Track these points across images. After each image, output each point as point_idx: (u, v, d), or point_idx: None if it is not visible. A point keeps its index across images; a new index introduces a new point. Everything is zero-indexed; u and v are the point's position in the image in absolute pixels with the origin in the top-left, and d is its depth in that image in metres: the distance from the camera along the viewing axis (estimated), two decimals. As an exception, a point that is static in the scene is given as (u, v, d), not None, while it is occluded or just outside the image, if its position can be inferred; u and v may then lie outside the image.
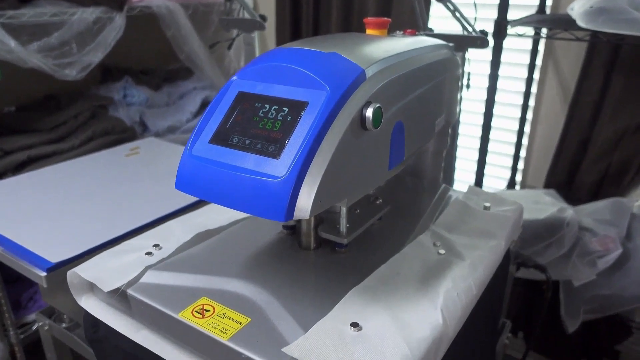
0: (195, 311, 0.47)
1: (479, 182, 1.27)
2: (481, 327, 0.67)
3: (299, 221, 0.60)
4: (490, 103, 1.32)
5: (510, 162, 1.53)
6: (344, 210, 0.57)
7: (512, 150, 1.52)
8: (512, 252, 0.79)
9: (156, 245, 0.58)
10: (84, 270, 0.52)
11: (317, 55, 0.50)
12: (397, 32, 0.74)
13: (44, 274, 0.66)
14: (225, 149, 0.47)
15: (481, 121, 1.27)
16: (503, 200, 0.73)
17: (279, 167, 0.43)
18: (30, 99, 1.44)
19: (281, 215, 0.42)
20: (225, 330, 0.44)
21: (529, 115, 1.50)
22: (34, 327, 1.26)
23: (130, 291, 0.51)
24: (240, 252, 0.58)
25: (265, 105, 0.48)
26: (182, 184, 0.49)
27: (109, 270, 0.53)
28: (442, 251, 0.58)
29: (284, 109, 0.47)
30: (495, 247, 0.61)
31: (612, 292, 1.07)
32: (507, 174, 1.56)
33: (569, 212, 1.11)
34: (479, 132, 1.39)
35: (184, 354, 0.47)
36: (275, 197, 0.42)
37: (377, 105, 0.47)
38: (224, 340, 0.44)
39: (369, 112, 0.47)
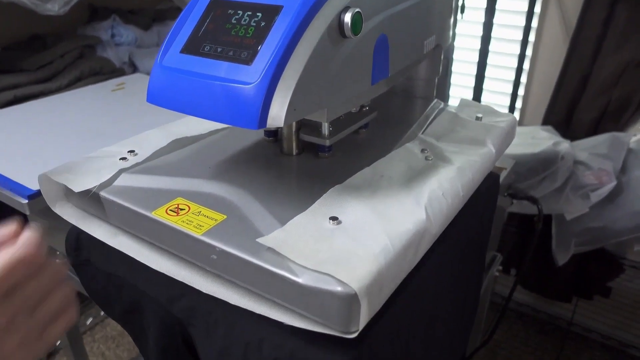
0: (170, 210, 0.46)
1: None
2: (467, 254, 0.67)
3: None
4: (486, 39, 1.28)
5: (507, 101, 1.50)
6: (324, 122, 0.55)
7: (509, 89, 1.49)
8: (502, 185, 0.78)
9: (131, 151, 0.57)
10: (54, 174, 0.51)
11: (293, -43, 0.47)
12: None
13: (25, 201, 0.66)
14: (197, 57, 0.45)
15: (477, 58, 1.23)
16: (495, 112, 0.71)
17: (252, 73, 0.42)
18: (15, 39, 1.40)
19: (254, 122, 0.41)
20: (200, 226, 0.44)
21: (529, 51, 1.45)
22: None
23: (103, 193, 0.50)
24: (218, 157, 0.57)
25: (239, 12, 0.46)
26: (153, 96, 0.47)
27: (81, 173, 0.51)
28: (430, 157, 0.57)
29: (258, 14, 0.45)
30: (485, 153, 0.59)
31: (603, 224, 1.07)
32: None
33: (564, 145, 1.09)
34: (474, 69, 1.35)
35: (160, 256, 0.47)
36: (248, 103, 0.41)
37: (357, 10, 0.45)
38: (198, 235, 0.43)
39: (347, 17, 0.44)
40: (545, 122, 1.44)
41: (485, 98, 1.48)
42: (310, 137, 0.56)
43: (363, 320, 0.37)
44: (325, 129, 0.56)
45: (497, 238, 0.95)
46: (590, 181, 1.06)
